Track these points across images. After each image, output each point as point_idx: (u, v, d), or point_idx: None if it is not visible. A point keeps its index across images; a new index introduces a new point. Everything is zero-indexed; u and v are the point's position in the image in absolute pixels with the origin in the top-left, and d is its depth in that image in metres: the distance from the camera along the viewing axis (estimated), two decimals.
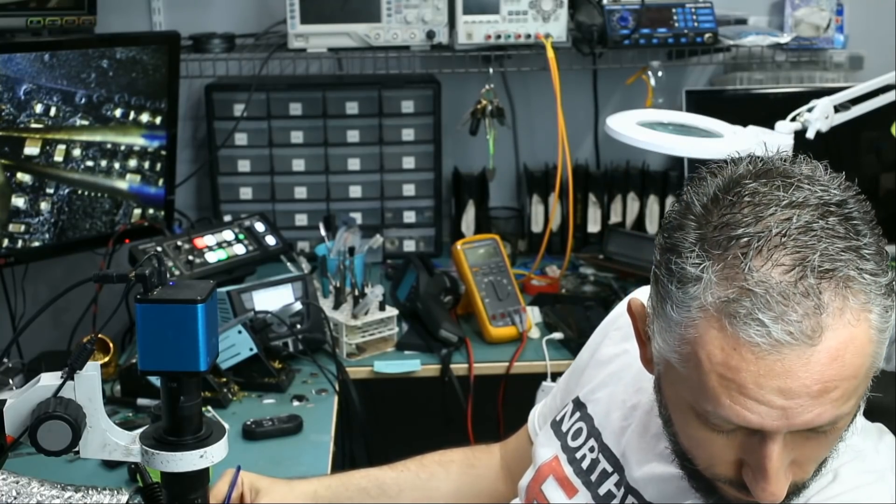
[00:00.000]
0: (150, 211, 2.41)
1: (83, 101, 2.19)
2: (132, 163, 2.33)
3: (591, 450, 1.19)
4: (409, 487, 1.43)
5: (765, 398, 0.87)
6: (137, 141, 2.32)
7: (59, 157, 2.20)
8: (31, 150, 2.15)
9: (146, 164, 2.36)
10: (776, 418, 0.88)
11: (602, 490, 1.15)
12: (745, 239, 0.88)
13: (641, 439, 1.13)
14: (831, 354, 0.86)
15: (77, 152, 2.22)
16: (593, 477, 1.17)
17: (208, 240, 2.33)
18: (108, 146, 2.27)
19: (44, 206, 2.20)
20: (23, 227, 2.18)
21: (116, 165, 2.30)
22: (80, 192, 2.26)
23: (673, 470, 1.04)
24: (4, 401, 1.03)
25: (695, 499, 1.02)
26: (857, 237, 0.88)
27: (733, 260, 0.88)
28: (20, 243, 2.19)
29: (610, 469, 1.15)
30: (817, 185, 0.91)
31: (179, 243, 2.28)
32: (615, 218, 2.68)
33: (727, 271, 0.88)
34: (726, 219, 0.90)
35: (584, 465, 1.19)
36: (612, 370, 1.25)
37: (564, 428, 1.25)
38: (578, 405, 1.26)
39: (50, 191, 2.20)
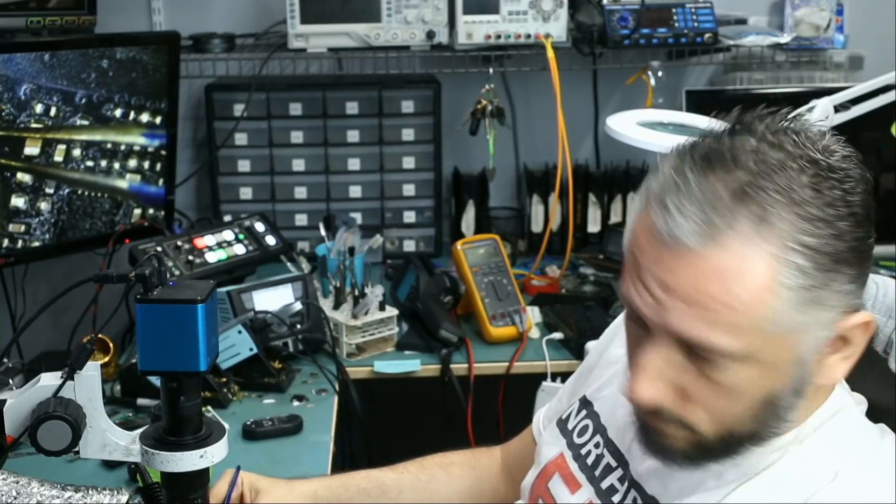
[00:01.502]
0: (150, 211, 2.41)
1: (83, 101, 2.19)
2: (132, 163, 2.33)
3: (597, 445, 1.19)
4: (409, 489, 1.42)
5: (649, 285, 0.91)
6: (137, 141, 2.32)
7: (59, 157, 2.20)
8: (31, 150, 2.15)
9: (146, 164, 2.36)
10: (652, 310, 0.91)
11: (605, 484, 1.15)
12: (718, 149, 0.91)
13: None
14: (716, 271, 0.88)
15: (77, 152, 2.22)
16: (597, 472, 1.17)
17: (208, 240, 2.33)
18: (108, 146, 2.27)
19: (44, 206, 2.20)
20: (23, 227, 2.18)
21: (116, 165, 2.30)
22: (80, 192, 2.26)
23: None
24: (4, 401, 1.03)
25: (698, 496, 1.02)
26: (816, 201, 0.88)
27: (690, 158, 0.91)
28: (20, 243, 2.19)
29: (614, 464, 1.16)
30: (832, 156, 0.91)
31: (179, 243, 2.28)
32: (615, 218, 2.68)
33: (679, 165, 0.91)
34: (711, 144, 0.92)
35: (589, 460, 1.19)
36: (619, 368, 1.24)
37: (570, 426, 1.25)
38: (585, 403, 1.26)
39: (50, 191, 2.20)
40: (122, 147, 2.30)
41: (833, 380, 0.96)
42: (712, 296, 0.88)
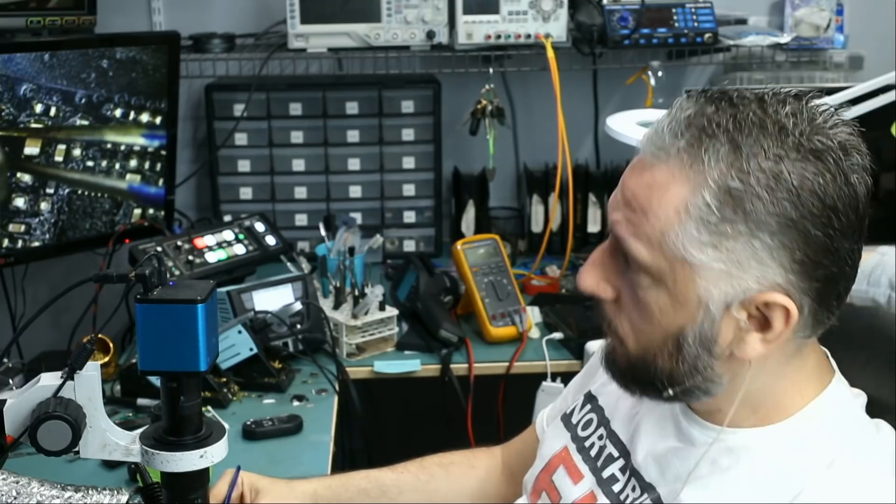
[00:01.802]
0: (150, 211, 2.41)
1: (83, 101, 2.19)
2: (132, 163, 2.33)
3: (600, 437, 1.21)
4: (409, 489, 1.43)
5: (619, 185, 1.01)
6: (137, 141, 2.32)
7: (59, 158, 2.19)
8: (31, 150, 2.15)
9: (146, 165, 2.36)
10: (611, 207, 1.02)
11: (606, 474, 1.16)
12: (725, 92, 0.97)
13: (648, 423, 1.14)
14: (652, 183, 0.96)
15: (77, 152, 2.22)
16: (599, 462, 1.18)
17: (208, 240, 2.33)
18: (108, 146, 2.27)
19: (44, 206, 2.20)
20: (23, 228, 2.18)
21: (116, 165, 2.30)
22: (80, 192, 2.26)
23: (670, 444, 1.08)
24: (4, 401, 1.03)
25: (693, 483, 1.03)
26: (763, 163, 0.91)
27: (703, 93, 0.99)
28: (20, 243, 2.19)
29: (616, 454, 1.17)
30: (812, 140, 0.93)
31: (179, 243, 2.28)
32: None
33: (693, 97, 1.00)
34: (729, 89, 0.99)
35: (592, 452, 1.21)
36: None
37: (574, 420, 1.27)
38: (589, 398, 1.27)
39: (50, 191, 2.20)
40: (122, 147, 2.30)
41: (748, 357, 0.98)
42: (640, 202, 0.97)
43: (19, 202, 2.16)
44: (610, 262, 1.03)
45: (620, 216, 0.99)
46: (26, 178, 2.16)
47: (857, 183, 0.94)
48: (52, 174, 2.20)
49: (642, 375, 1.03)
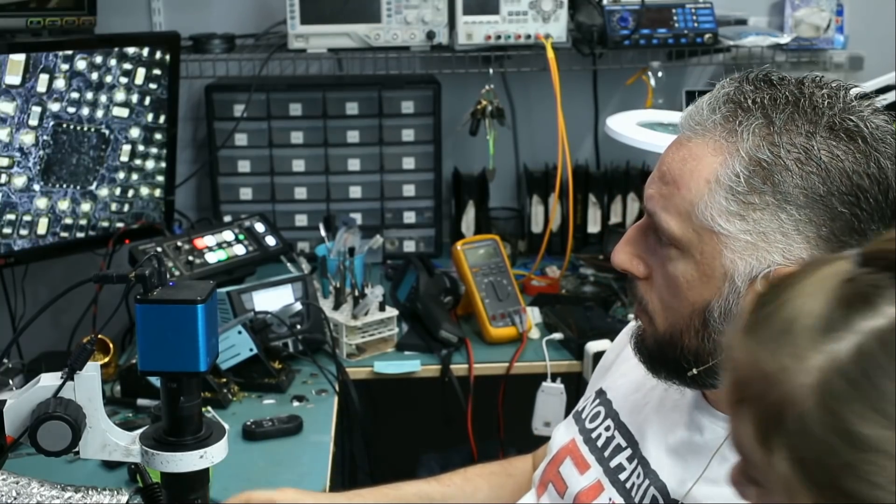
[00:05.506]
0: (150, 212, 2.40)
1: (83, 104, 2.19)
2: (133, 163, 2.33)
3: (607, 428, 1.22)
4: (456, 503, 1.44)
5: (659, 160, 1.03)
6: (137, 142, 2.32)
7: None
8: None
9: (146, 167, 2.35)
10: (648, 184, 1.03)
11: (613, 463, 1.17)
12: (768, 74, 1.00)
13: (657, 414, 1.15)
14: (687, 156, 0.98)
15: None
16: (606, 452, 1.19)
17: (208, 240, 2.32)
18: (108, 148, 2.27)
19: (42, 205, 2.20)
20: (23, 231, 2.18)
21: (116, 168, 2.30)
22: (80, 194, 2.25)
23: (679, 433, 1.09)
24: (4, 401, 1.03)
25: (702, 478, 1.03)
26: (795, 139, 0.93)
27: (747, 74, 1.01)
28: (20, 244, 2.18)
29: (624, 444, 1.18)
30: (845, 121, 0.93)
31: (179, 244, 2.28)
32: (615, 218, 2.68)
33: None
34: (772, 71, 1.02)
35: (599, 443, 1.21)
36: (635, 362, 1.26)
37: (584, 414, 1.28)
38: (599, 393, 1.29)
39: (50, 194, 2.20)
40: (122, 150, 2.29)
41: None
42: (673, 175, 0.99)
43: (18, 205, 2.16)
44: (643, 240, 1.05)
45: (654, 191, 1.01)
46: (22, 180, 2.15)
47: (887, 168, 0.95)
48: (51, 177, 2.19)
49: (669, 354, 1.04)
